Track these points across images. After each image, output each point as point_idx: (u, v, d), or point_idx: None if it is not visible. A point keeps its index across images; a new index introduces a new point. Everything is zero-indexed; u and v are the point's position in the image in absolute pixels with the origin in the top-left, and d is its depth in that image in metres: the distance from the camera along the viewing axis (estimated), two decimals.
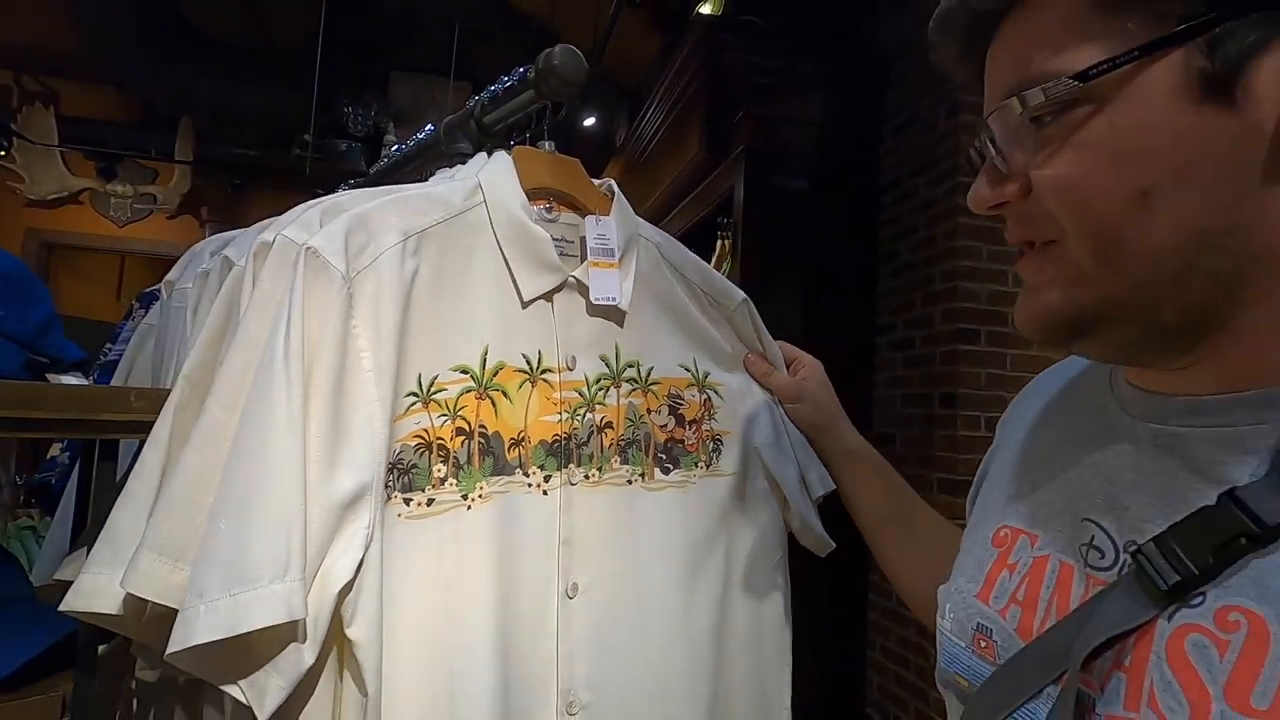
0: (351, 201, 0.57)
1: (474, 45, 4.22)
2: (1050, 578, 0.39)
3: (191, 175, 4.32)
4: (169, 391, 0.53)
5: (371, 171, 0.96)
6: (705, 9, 2.52)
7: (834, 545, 0.78)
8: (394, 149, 0.84)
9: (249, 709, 0.51)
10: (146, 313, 0.96)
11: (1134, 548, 0.34)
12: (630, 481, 0.69)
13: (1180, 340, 0.35)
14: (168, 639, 0.44)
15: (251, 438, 0.48)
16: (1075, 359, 0.48)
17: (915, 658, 1.77)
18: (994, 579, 0.42)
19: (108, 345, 1.05)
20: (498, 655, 0.58)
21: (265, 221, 0.64)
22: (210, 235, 4.30)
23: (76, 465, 0.83)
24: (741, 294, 0.78)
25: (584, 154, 0.73)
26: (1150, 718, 0.31)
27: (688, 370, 0.74)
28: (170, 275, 0.80)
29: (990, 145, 0.37)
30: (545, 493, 0.63)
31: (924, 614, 0.60)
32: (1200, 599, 0.31)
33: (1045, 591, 0.38)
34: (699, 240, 2.46)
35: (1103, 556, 0.36)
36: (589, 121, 3.32)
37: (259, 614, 0.45)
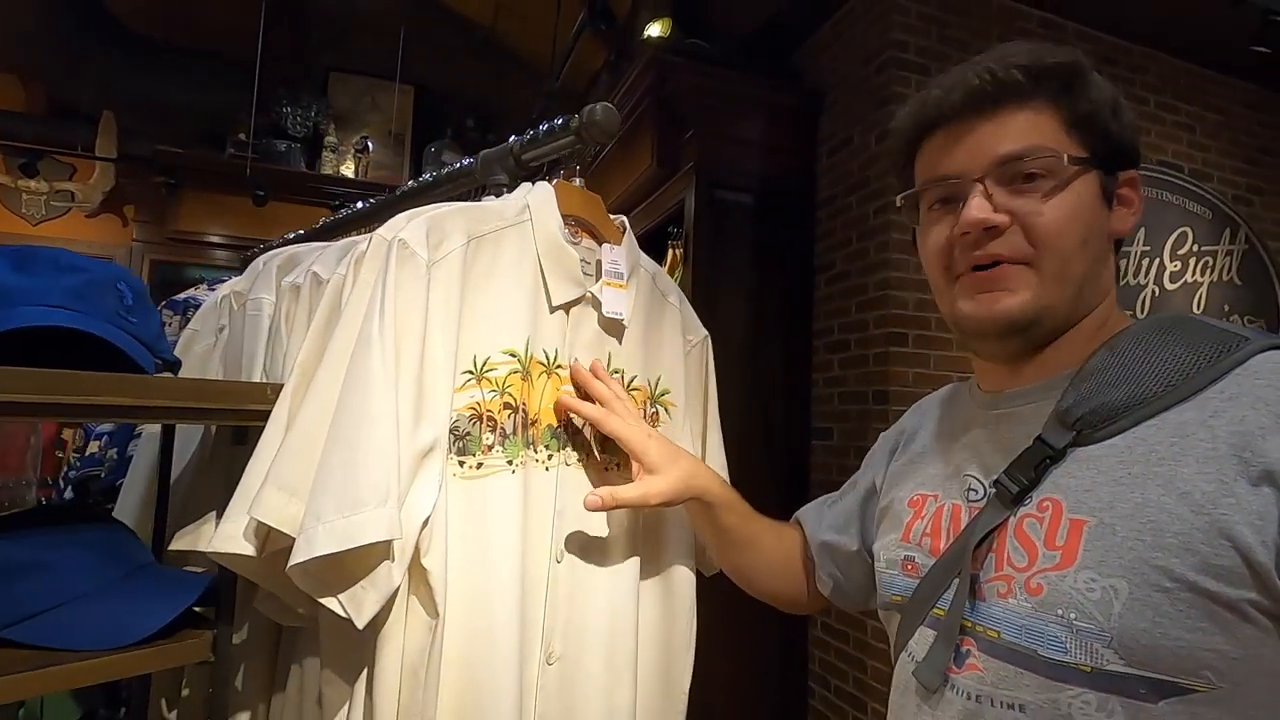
0: (429, 209, 0.70)
1: (416, 49, 4.24)
2: (947, 516, 0.59)
3: (116, 173, 4.14)
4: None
5: (398, 192, 1.05)
6: (654, 31, 2.66)
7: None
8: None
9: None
10: (182, 318, 1.00)
11: (993, 480, 0.54)
12: (608, 469, 0.81)
13: (1041, 343, 0.56)
14: (281, 569, 0.54)
15: (356, 394, 0.59)
16: (934, 399, 0.72)
17: (854, 631, 1.96)
18: (911, 527, 0.63)
19: None
20: (518, 602, 0.69)
21: (346, 240, 0.73)
22: (138, 236, 4.09)
23: (130, 458, 0.88)
24: (704, 331, 0.92)
25: None
26: (1010, 571, 0.50)
27: (649, 384, 0.87)
28: (239, 287, 0.89)
29: (980, 187, 0.54)
30: (547, 469, 0.75)
31: (784, 599, 0.81)
32: (1030, 499, 0.52)
33: (945, 524, 0.59)
34: (651, 247, 2.59)
35: (977, 494, 0.57)
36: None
37: (369, 531, 0.56)
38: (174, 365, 0.65)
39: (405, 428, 0.61)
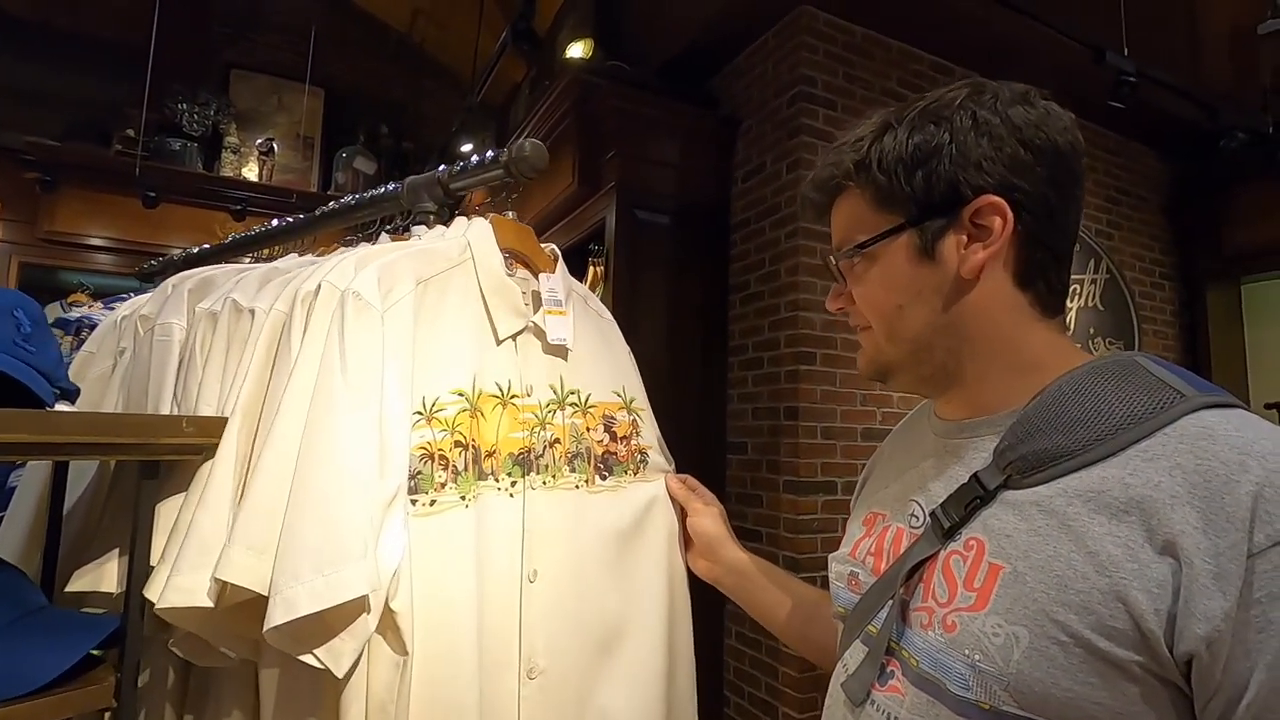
0: (378, 254, 0.69)
1: (327, 49, 4.09)
2: (890, 538, 0.62)
3: None
4: (217, 419, 0.62)
5: (317, 213, 1.02)
6: (575, 51, 2.69)
7: None
8: (336, 207, 0.88)
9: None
10: (75, 338, 0.93)
11: (931, 510, 0.57)
12: (577, 486, 0.83)
13: (937, 384, 0.61)
14: (241, 624, 0.53)
15: (323, 448, 0.59)
16: (921, 409, 0.72)
17: (767, 640, 2.04)
18: (859, 543, 0.66)
19: None
20: (478, 628, 0.70)
21: (265, 266, 0.71)
22: (4, 236, 3.74)
23: (9, 489, 0.81)
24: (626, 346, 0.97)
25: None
26: (933, 604, 0.54)
27: (619, 395, 0.90)
28: (145, 310, 0.83)
29: (836, 272, 0.63)
30: (511, 495, 0.77)
31: (809, 651, 0.83)
32: (958, 535, 0.54)
33: (888, 546, 0.62)
34: (571, 264, 2.61)
35: (918, 520, 0.60)
36: (467, 147, 3.37)
37: (352, 587, 0.56)
38: (72, 394, 0.62)
39: (373, 479, 0.61)
